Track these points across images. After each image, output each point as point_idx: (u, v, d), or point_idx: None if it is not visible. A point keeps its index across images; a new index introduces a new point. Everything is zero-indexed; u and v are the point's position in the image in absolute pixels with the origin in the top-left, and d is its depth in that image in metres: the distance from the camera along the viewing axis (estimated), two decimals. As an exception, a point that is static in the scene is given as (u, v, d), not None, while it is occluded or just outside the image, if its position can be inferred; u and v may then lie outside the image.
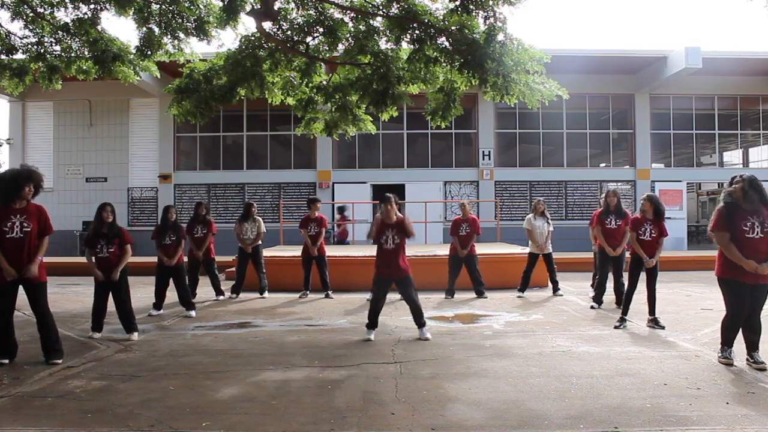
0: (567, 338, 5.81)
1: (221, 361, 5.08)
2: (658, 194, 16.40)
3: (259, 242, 9.10)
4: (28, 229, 4.84)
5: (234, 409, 3.79)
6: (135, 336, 6.01)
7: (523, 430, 3.38)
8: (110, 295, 6.11)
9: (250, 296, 9.03)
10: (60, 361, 4.93)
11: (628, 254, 6.67)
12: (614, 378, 4.37)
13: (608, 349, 5.33)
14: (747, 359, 4.64)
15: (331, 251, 10.27)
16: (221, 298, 8.80)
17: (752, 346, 4.64)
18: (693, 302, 8.03)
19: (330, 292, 8.88)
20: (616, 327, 6.20)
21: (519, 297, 8.62)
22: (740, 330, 4.71)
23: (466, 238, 8.62)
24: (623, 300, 6.48)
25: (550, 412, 3.65)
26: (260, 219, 9.17)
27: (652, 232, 6.25)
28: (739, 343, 4.74)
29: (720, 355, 4.74)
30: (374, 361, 4.98)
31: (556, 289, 8.85)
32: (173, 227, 7.53)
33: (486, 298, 8.54)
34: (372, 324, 5.96)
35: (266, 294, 9.00)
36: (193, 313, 7.38)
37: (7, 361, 4.88)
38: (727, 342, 4.71)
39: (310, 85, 8.85)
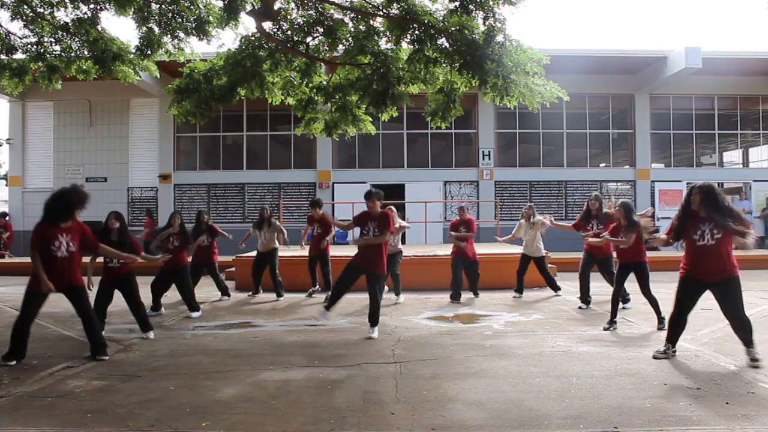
0: (567, 338, 5.81)
1: (221, 361, 5.08)
2: (657, 194, 16.47)
3: (275, 246, 9.11)
4: (74, 249, 5.03)
5: (234, 409, 3.79)
6: (152, 334, 6.04)
7: (523, 430, 3.38)
8: (113, 296, 6.15)
9: (250, 296, 9.05)
10: (106, 357, 5.10)
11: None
12: (614, 378, 4.37)
13: (608, 349, 5.33)
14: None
15: (330, 251, 10.24)
16: (225, 298, 8.81)
17: (747, 343, 4.69)
18: (693, 302, 8.02)
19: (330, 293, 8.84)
20: (605, 329, 6.18)
21: (515, 297, 8.61)
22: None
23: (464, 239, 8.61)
24: (611, 302, 6.40)
25: (550, 412, 3.65)
26: (275, 222, 9.16)
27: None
28: (740, 343, 4.74)
29: (660, 347, 4.97)
30: (374, 361, 4.98)
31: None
32: (177, 233, 7.47)
33: (478, 297, 8.59)
34: (330, 304, 6.03)
35: (282, 297, 8.91)
36: (195, 314, 7.39)
37: (14, 362, 4.91)
38: (670, 338, 4.95)
39: (310, 85, 8.85)
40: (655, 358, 4.89)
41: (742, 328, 4.69)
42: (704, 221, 4.67)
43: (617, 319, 6.32)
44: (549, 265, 9.22)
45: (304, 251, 9.40)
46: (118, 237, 6.03)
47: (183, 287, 7.43)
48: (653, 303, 6.25)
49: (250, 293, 9.19)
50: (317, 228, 8.90)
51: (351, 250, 10.96)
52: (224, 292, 8.86)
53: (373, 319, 6.04)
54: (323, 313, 5.96)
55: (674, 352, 4.94)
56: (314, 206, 9.05)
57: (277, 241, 9.14)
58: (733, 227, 4.52)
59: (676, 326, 4.94)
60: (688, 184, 16.90)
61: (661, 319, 6.20)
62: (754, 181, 16.98)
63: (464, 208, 8.89)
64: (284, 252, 10.01)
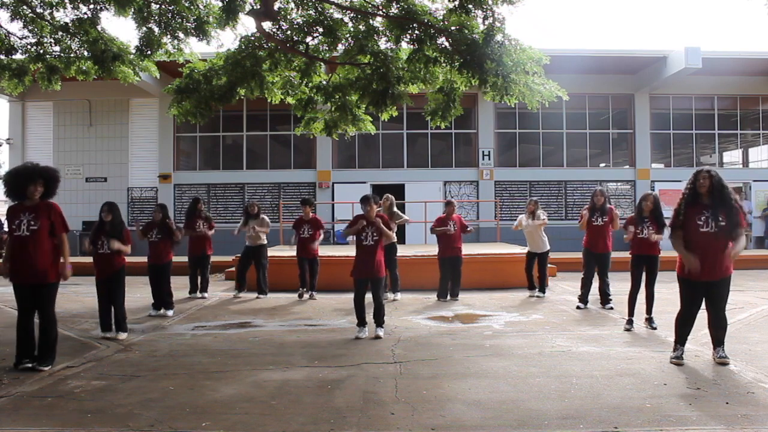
0: (567, 338, 5.81)
1: (221, 361, 5.08)
2: (657, 194, 16.47)
3: (263, 242, 9.12)
4: (35, 228, 4.72)
5: (234, 409, 3.79)
6: (122, 336, 6.03)
7: (522, 430, 3.38)
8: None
9: (250, 296, 9.04)
10: (46, 369, 4.70)
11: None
12: (614, 378, 4.37)
13: (608, 349, 5.33)
14: (713, 354, 4.73)
15: (331, 251, 10.26)
16: (205, 295, 8.93)
17: (717, 343, 4.71)
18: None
19: (314, 293, 8.83)
20: (626, 330, 6.14)
21: (534, 296, 8.56)
22: (688, 327, 4.80)
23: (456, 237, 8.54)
24: (628, 301, 6.37)
25: (550, 412, 3.65)
26: (263, 217, 9.20)
27: (650, 228, 6.29)
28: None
29: (672, 354, 4.82)
30: (374, 361, 4.98)
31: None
32: (159, 225, 7.60)
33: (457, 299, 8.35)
34: (361, 322, 6.08)
35: (264, 296, 8.94)
36: (168, 312, 7.46)
37: (30, 365, 4.71)
38: (680, 340, 4.80)
39: (310, 85, 8.84)
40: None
41: (724, 326, 4.71)
42: (708, 208, 4.54)
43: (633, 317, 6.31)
44: (549, 265, 9.20)
45: (292, 251, 9.25)
46: (110, 228, 6.05)
47: (163, 283, 7.52)
48: (651, 299, 6.28)
49: (235, 293, 9.11)
50: (307, 229, 8.81)
51: (351, 251, 10.99)
52: (203, 288, 9.00)
53: (379, 320, 6.09)
54: (360, 330, 6.03)
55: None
56: (305, 205, 8.98)
57: (264, 237, 9.15)
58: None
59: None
60: (688, 184, 17.02)
61: (649, 315, 6.26)
62: (754, 181, 16.96)
63: (452, 202, 8.72)
64: (279, 252, 10.03)
